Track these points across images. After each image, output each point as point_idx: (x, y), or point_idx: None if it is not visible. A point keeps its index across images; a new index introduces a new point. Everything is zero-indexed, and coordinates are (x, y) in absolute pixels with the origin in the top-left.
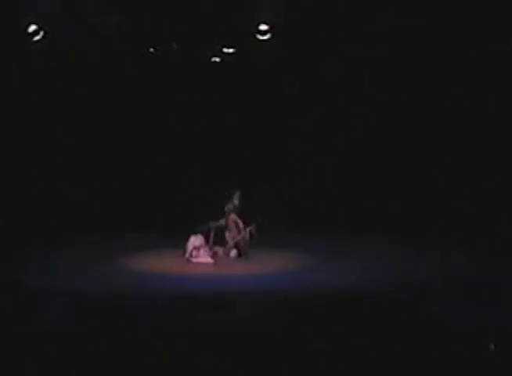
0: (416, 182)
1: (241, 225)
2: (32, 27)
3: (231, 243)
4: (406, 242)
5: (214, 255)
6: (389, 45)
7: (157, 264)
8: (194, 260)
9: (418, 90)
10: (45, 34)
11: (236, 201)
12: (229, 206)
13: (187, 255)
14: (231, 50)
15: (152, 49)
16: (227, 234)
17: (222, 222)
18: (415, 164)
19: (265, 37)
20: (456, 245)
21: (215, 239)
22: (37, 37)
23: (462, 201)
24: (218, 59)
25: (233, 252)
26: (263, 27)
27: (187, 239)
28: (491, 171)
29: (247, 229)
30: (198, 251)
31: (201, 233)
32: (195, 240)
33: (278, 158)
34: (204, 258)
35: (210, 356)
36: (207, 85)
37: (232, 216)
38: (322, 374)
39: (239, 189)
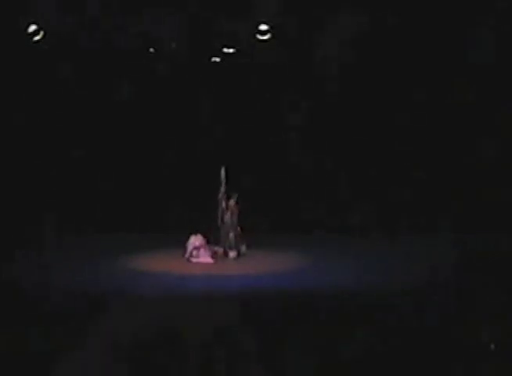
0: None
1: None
2: (32, 27)
3: (231, 242)
4: (405, 241)
5: (214, 255)
6: (389, 44)
7: (157, 264)
8: (194, 260)
9: (416, 90)
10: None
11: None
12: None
13: (187, 255)
14: (231, 50)
15: (152, 49)
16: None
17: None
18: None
19: (265, 37)
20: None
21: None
22: (37, 37)
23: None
24: (217, 59)
25: (233, 253)
26: (263, 27)
27: (187, 239)
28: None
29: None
30: (198, 251)
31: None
32: (195, 240)
33: (276, 157)
34: (204, 258)
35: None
36: (206, 85)
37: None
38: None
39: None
